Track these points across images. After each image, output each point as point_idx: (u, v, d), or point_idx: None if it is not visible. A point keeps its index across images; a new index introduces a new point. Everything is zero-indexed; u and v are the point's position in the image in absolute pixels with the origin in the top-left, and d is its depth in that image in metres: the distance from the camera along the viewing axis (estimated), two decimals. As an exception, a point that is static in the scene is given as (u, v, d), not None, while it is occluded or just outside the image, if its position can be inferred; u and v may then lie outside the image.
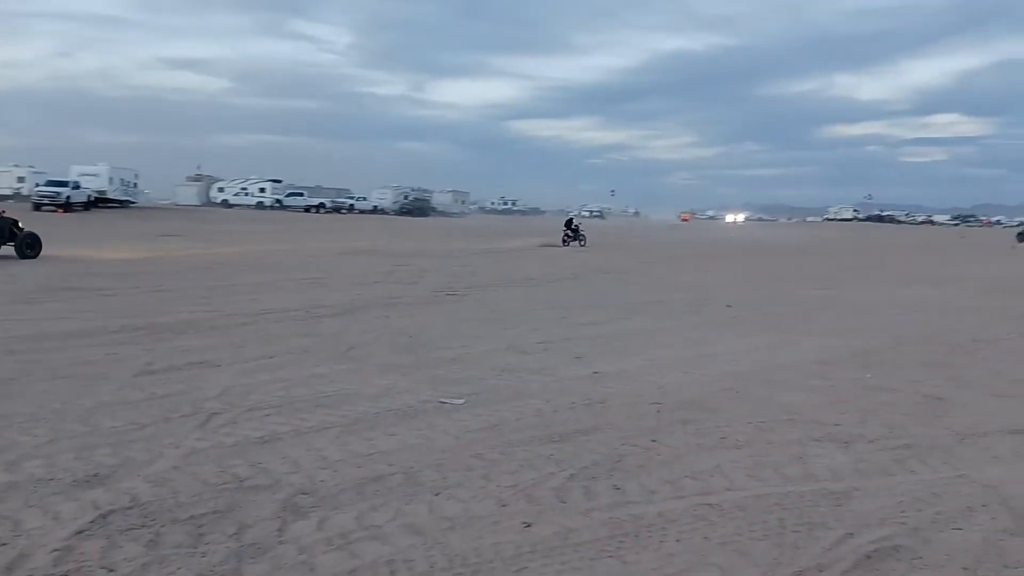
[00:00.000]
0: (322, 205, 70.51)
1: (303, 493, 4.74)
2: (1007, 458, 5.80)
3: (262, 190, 71.27)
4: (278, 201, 69.83)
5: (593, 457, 5.56)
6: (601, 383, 7.95)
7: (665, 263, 27.72)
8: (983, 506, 4.80)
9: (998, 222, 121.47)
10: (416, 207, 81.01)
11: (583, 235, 35.80)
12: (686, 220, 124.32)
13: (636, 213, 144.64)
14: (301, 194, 72.56)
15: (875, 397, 7.64)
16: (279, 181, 73.54)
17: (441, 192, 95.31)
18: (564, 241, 35.24)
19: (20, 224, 21.34)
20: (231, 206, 68.29)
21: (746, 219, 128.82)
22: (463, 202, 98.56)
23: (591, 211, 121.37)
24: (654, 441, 5.98)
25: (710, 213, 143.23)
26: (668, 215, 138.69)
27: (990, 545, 4.25)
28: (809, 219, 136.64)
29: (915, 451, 5.87)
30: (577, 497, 4.80)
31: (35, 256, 20.80)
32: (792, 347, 10.43)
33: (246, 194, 71.34)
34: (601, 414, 6.74)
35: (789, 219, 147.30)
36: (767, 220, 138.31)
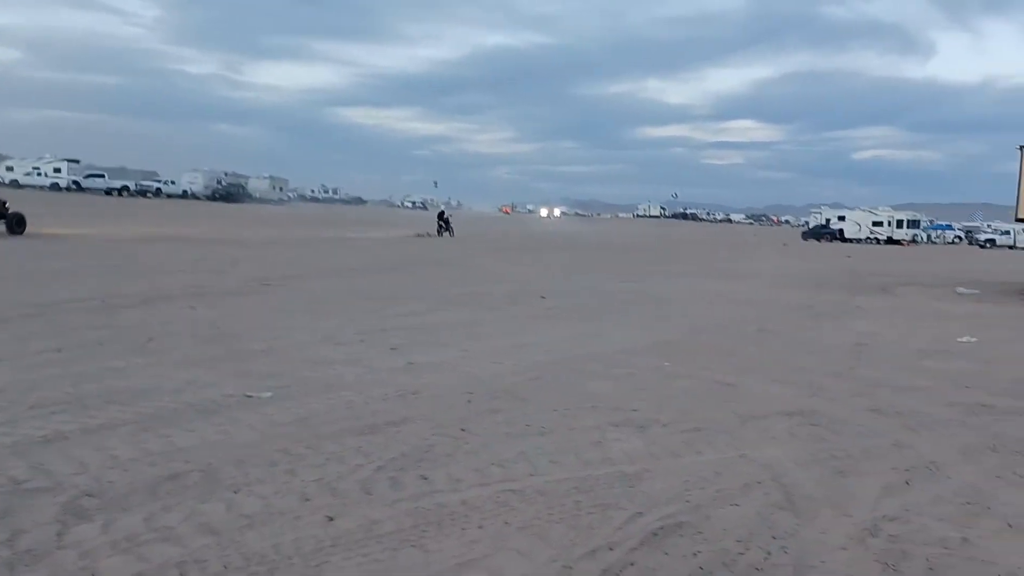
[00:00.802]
0: (126, 188, 66.05)
1: (88, 495, 4.45)
2: (782, 438, 6.35)
3: (57, 170, 65.95)
4: (75, 183, 64.84)
5: (402, 448, 5.57)
6: (415, 374, 7.98)
7: (485, 255, 28.13)
8: (758, 483, 5.23)
9: (786, 222, 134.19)
10: (230, 193, 77.54)
11: (452, 227, 40.34)
12: (507, 213, 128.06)
13: (459, 205, 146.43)
14: (102, 176, 67.81)
15: (672, 384, 8.14)
16: (76, 161, 68.34)
17: (258, 178, 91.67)
18: (439, 231, 39.55)
19: (7, 204, 23.63)
20: (21, 187, 62.51)
21: (563, 214, 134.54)
22: (281, 189, 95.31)
23: (414, 202, 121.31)
24: (463, 430, 6.08)
25: (529, 207, 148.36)
26: (490, 208, 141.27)
27: (762, 519, 4.63)
28: (621, 215, 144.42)
29: (703, 434, 6.31)
30: (383, 488, 4.80)
31: (21, 232, 22.79)
32: (600, 337, 10.89)
33: (39, 174, 65.81)
34: (413, 405, 6.77)
35: (599, 214, 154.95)
36: (583, 215, 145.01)
